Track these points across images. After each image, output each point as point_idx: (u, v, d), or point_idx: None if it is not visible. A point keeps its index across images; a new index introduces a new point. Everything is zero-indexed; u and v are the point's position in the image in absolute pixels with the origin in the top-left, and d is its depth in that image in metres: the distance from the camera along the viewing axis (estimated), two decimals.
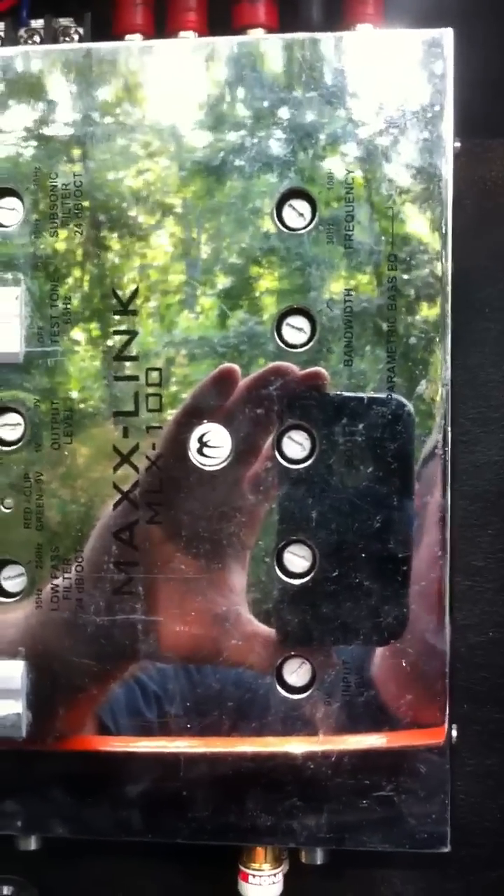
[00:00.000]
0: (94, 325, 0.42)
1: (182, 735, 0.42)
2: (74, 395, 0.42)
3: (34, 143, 0.42)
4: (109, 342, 0.42)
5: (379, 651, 0.41)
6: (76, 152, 0.42)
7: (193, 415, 0.41)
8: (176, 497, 0.42)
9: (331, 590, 0.41)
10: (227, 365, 0.41)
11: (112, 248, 0.42)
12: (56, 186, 0.42)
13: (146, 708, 0.42)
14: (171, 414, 0.42)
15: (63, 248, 0.42)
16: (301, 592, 0.41)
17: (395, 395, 0.41)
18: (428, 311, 0.41)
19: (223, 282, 0.41)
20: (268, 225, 0.41)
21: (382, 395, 0.41)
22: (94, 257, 0.42)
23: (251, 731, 0.42)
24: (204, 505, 0.42)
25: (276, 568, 0.41)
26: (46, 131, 0.42)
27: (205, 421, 0.41)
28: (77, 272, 0.42)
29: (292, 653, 0.42)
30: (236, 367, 0.41)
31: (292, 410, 0.41)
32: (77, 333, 0.42)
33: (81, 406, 0.42)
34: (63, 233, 0.42)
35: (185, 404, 0.41)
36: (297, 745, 0.42)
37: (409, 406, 0.41)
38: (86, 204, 0.42)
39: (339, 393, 0.41)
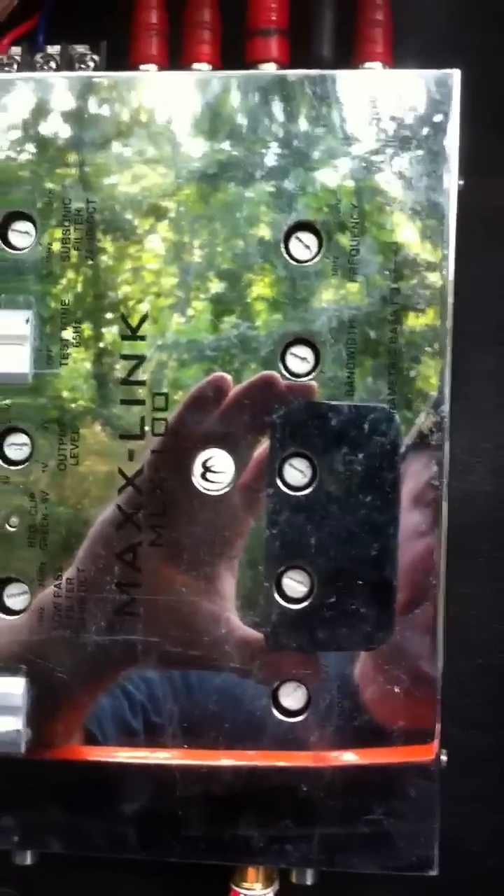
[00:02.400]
0: (102, 350, 0.43)
1: (177, 754, 0.43)
2: (81, 417, 0.43)
3: (48, 167, 0.43)
4: (117, 366, 0.43)
5: (372, 676, 0.42)
6: (90, 178, 0.42)
7: (188, 424, 0.42)
8: (179, 520, 0.42)
9: (327, 615, 0.42)
10: (217, 374, 0.42)
11: (122, 276, 0.43)
12: (69, 211, 0.43)
13: (140, 724, 0.43)
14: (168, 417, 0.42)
15: (74, 272, 0.43)
16: (298, 615, 0.42)
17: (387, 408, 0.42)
18: (430, 345, 0.42)
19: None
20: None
21: (380, 405, 0.42)
22: (105, 285, 0.42)
23: (247, 752, 0.42)
24: (206, 528, 0.42)
25: (276, 593, 0.42)
26: (62, 157, 0.43)
27: (210, 446, 0.42)
28: (87, 297, 0.43)
29: (289, 676, 0.42)
30: (227, 375, 0.42)
31: (294, 437, 0.42)
32: (85, 357, 0.43)
33: (88, 428, 0.43)
34: (74, 256, 0.43)
35: (177, 412, 0.42)
36: (290, 768, 0.42)
37: (397, 416, 0.42)
38: (98, 228, 0.42)
39: (336, 403, 0.42)
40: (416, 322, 0.42)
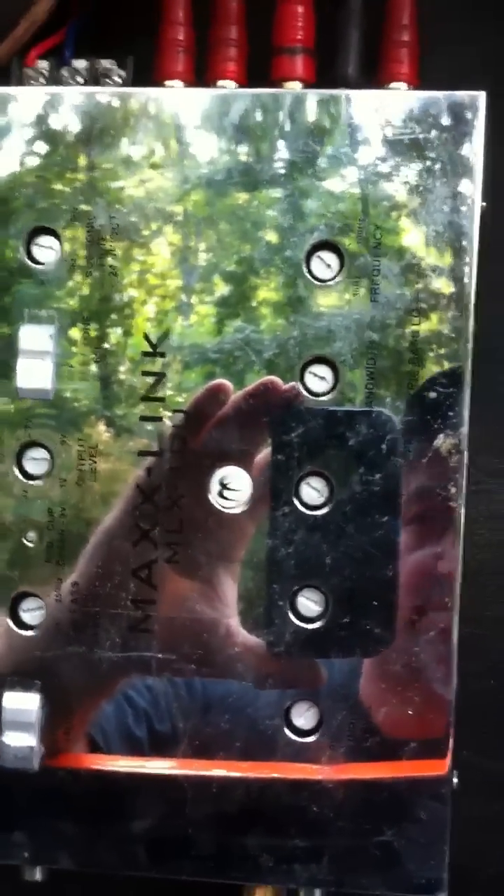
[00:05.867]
0: (123, 366, 0.43)
1: (189, 772, 0.43)
2: (100, 433, 0.43)
3: (74, 183, 0.43)
4: (138, 383, 0.43)
5: (386, 698, 0.42)
6: (115, 194, 0.43)
7: (189, 426, 0.43)
8: (195, 538, 0.43)
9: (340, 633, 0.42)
10: (218, 380, 0.42)
11: (144, 291, 0.43)
12: (93, 227, 0.43)
13: (150, 742, 0.43)
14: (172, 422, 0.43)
15: (96, 288, 0.43)
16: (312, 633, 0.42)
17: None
18: (449, 366, 0.41)
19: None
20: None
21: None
22: (125, 301, 0.43)
23: (258, 771, 0.43)
24: (221, 545, 0.42)
25: (290, 612, 0.42)
26: (87, 173, 0.43)
27: (227, 463, 0.42)
28: (109, 313, 0.43)
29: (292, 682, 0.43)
30: (227, 382, 0.42)
31: (312, 457, 0.42)
32: (106, 373, 0.43)
33: (107, 444, 0.43)
34: (97, 273, 0.43)
35: (182, 419, 0.43)
36: (301, 787, 0.42)
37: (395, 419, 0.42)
38: (119, 244, 0.43)
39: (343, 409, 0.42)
40: (437, 344, 0.41)
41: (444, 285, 0.41)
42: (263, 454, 0.42)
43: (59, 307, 0.43)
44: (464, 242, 0.41)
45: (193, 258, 0.43)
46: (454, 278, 0.41)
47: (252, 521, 0.42)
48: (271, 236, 0.42)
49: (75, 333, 0.43)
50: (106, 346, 0.43)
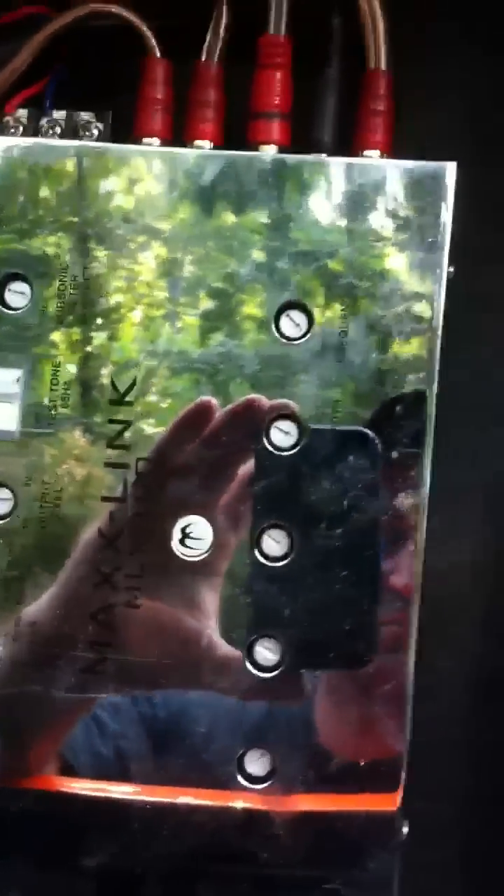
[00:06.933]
0: (89, 412, 0.43)
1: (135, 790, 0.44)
2: (64, 477, 0.43)
3: (45, 230, 0.44)
4: (103, 430, 0.43)
5: (338, 749, 0.43)
6: (87, 244, 0.43)
7: (171, 460, 0.43)
8: (154, 583, 0.43)
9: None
10: (203, 399, 0.43)
11: (113, 339, 0.44)
12: (65, 275, 0.43)
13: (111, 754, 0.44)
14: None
15: (67, 335, 0.43)
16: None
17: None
18: (412, 426, 0.43)
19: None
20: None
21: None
22: (95, 351, 0.43)
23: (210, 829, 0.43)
24: (182, 591, 0.43)
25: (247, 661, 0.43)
26: (58, 219, 0.44)
27: (190, 512, 0.43)
28: (78, 359, 0.44)
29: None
30: (213, 400, 0.43)
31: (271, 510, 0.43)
32: (72, 419, 0.43)
33: (70, 488, 0.43)
34: (69, 319, 0.43)
35: (162, 439, 0.43)
36: (251, 836, 0.43)
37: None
38: (91, 291, 0.43)
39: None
40: (400, 406, 0.43)
41: (410, 350, 0.43)
42: (229, 500, 0.43)
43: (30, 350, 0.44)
44: (431, 308, 0.42)
45: (179, 272, 0.43)
46: (421, 343, 0.42)
47: (224, 529, 0.43)
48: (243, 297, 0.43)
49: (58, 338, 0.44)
50: (88, 349, 0.44)
